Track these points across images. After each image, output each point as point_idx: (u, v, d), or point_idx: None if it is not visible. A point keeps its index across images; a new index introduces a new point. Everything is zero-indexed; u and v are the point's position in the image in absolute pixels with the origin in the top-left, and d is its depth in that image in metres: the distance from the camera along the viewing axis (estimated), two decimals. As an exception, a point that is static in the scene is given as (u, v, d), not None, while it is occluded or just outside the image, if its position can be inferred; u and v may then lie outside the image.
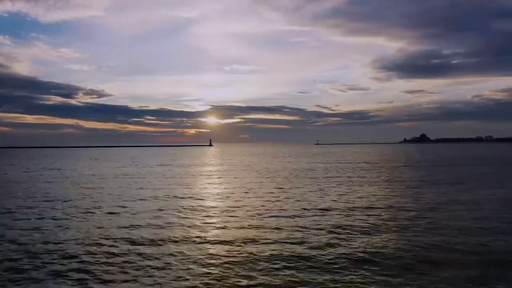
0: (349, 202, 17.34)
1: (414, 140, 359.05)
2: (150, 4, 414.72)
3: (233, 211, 15.42)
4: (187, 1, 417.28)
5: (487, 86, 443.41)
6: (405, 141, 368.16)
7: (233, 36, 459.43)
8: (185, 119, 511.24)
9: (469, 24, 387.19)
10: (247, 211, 15.31)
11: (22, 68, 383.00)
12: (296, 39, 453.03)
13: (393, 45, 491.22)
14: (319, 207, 15.96)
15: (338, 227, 12.50)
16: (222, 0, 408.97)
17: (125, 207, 16.37)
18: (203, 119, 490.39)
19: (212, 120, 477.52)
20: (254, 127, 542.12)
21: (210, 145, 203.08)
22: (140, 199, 18.65)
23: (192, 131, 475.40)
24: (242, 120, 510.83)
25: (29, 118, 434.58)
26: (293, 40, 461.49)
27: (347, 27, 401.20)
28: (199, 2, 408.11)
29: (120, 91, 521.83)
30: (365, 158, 59.92)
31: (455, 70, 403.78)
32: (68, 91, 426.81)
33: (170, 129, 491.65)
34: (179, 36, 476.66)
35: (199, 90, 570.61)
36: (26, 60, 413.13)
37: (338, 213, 14.86)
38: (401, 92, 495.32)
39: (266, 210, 15.49)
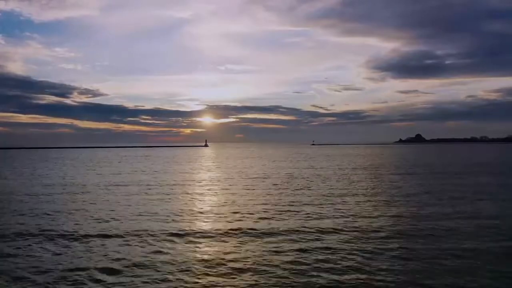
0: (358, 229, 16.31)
1: (410, 140, 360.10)
2: (144, 4, 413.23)
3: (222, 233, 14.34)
4: (180, 1, 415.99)
5: (481, 87, 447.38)
6: (400, 141, 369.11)
7: (227, 36, 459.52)
8: (181, 118, 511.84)
9: (461, 25, 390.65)
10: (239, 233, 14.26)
11: (15, 67, 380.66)
12: (291, 39, 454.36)
13: (387, 45, 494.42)
14: (320, 226, 14.93)
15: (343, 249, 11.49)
16: (215, 0, 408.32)
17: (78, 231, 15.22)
18: (198, 119, 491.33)
19: (207, 120, 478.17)
20: (250, 126, 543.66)
21: (206, 145, 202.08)
22: (107, 220, 17.54)
23: (188, 130, 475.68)
24: (238, 119, 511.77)
25: (24, 118, 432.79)
26: (287, 40, 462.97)
27: (341, 28, 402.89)
28: (192, 2, 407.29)
29: (115, 90, 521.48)
30: (364, 162, 59.08)
31: (449, 71, 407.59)
32: (63, 90, 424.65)
33: (166, 128, 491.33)
34: (173, 35, 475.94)
35: (194, 89, 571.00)
36: (20, 59, 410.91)
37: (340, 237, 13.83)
38: (395, 92, 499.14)
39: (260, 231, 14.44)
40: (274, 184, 28.82)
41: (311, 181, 30.70)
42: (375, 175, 35.70)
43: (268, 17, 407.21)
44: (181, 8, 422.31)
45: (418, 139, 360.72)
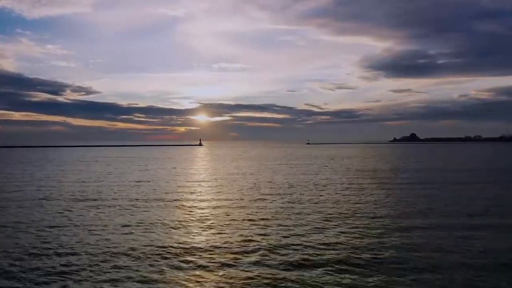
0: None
1: (404, 140, 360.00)
2: (137, 1, 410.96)
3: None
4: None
5: (473, 86, 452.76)
6: (395, 140, 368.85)
7: (221, 34, 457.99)
8: (175, 116, 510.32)
9: (453, 25, 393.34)
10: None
11: (7, 64, 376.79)
12: (284, 38, 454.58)
13: (380, 44, 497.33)
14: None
15: None
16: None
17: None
18: (192, 117, 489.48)
19: (201, 118, 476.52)
20: (244, 125, 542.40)
21: (200, 144, 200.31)
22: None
23: (182, 129, 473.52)
24: (232, 118, 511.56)
25: (16, 115, 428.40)
26: (280, 39, 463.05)
27: (335, 27, 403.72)
28: (186, 0, 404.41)
29: (108, 88, 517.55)
30: (366, 167, 57.54)
31: (441, 70, 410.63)
32: (55, 88, 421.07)
33: (160, 126, 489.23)
34: (166, 33, 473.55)
35: (187, 88, 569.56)
36: (11, 57, 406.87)
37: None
38: (388, 91, 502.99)
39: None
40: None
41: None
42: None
43: (261, 16, 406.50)
44: (175, 6, 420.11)
45: (412, 138, 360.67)
